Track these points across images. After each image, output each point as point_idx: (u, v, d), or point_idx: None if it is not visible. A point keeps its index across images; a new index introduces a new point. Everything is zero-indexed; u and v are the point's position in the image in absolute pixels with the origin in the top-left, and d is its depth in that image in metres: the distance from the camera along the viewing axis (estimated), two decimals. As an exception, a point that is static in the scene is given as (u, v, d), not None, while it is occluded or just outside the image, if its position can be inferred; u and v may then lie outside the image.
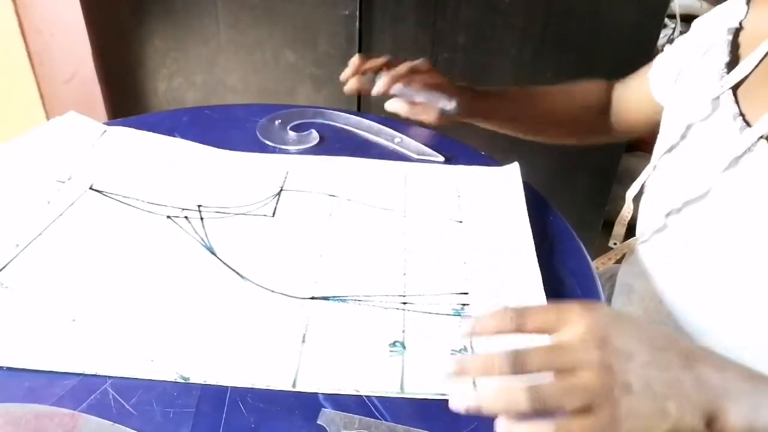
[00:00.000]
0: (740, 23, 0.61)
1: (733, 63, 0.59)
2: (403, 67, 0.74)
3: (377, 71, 0.74)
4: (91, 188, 0.62)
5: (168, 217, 0.59)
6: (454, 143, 0.74)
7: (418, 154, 0.71)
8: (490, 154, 0.72)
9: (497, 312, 0.39)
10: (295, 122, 0.76)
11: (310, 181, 0.65)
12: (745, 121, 0.55)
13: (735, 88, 0.58)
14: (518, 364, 0.36)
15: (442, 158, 0.71)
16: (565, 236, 0.61)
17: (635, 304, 0.67)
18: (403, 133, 0.74)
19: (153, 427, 0.41)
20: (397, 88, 0.72)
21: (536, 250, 0.59)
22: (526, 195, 0.66)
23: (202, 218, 0.59)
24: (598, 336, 0.36)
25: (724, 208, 0.55)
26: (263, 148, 0.71)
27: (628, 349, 0.36)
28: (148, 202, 0.61)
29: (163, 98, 1.52)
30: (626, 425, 0.34)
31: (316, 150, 0.72)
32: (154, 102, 1.53)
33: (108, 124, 0.73)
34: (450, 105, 0.71)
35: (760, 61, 0.57)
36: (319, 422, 0.42)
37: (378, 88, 0.72)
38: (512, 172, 0.67)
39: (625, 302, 0.69)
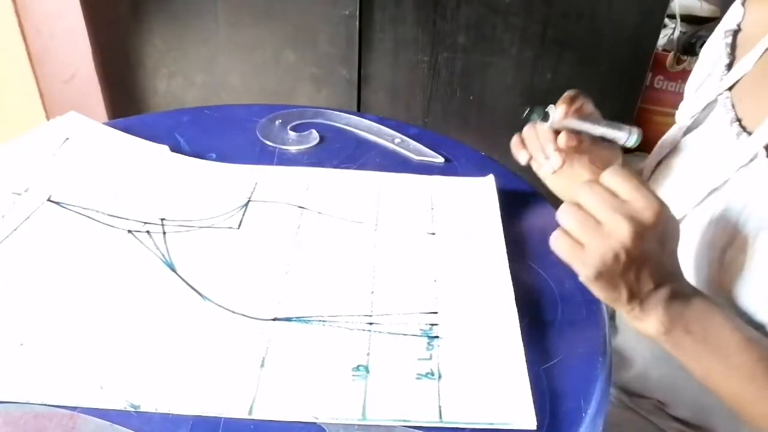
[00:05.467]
0: (738, 25, 0.61)
1: (732, 66, 0.59)
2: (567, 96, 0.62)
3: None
4: (49, 200, 0.60)
5: (129, 231, 0.57)
6: (454, 144, 0.74)
7: (418, 155, 0.71)
8: (490, 154, 0.72)
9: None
10: (295, 122, 0.76)
11: (279, 192, 0.63)
12: (741, 126, 0.55)
13: (732, 91, 0.57)
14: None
15: (441, 159, 0.70)
16: (564, 237, 0.61)
17: None
18: (402, 134, 0.74)
19: (151, 427, 0.41)
20: (573, 121, 0.60)
21: (536, 250, 0.59)
22: (527, 196, 0.66)
23: (164, 232, 0.57)
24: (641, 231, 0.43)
25: (722, 221, 0.54)
26: (263, 148, 0.71)
27: (652, 252, 0.44)
28: (109, 215, 0.59)
29: (163, 98, 1.52)
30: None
31: (316, 150, 0.72)
32: (154, 102, 1.53)
33: (108, 124, 0.72)
34: (634, 135, 0.59)
35: (756, 63, 0.57)
36: (318, 422, 0.42)
37: (553, 120, 0.60)
38: (488, 184, 0.65)
39: None
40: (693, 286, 0.49)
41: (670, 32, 1.69)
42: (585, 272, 0.45)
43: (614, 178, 0.45)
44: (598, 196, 0.44)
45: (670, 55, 1.66)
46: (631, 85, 1.41)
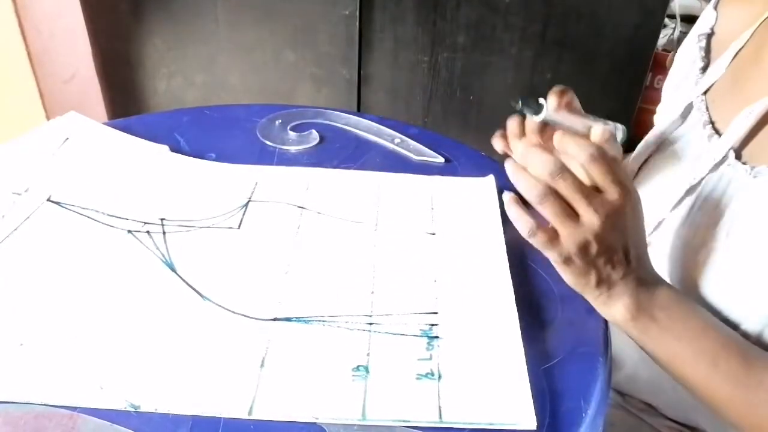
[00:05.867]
0: (711, 29, 0.62)
1: (707, 69, 0.60)
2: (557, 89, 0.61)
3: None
4: (49, 200, 0.60)
5: (129, 231, 0.57)
6: (454, 144, 0.74)
7: (418, 155, 0.71)
8: (490, 154, 0.72)
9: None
10: (296, 122, 0.76)
11: (279, 192, 0.63)
12: (714, 128, 0.56)
13: (707, 94, 0.58)
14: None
15: (441, 159, 0.70)
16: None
17: None
18: (402, 134, 0.74)
19: (152, 427, 0.41)
20: (565, 114, 0.59)
21: (536, 250, 0.58)
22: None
23: (164, 232, 0.57)
24: (614, 219, 0.46)
25: (695, 222, 0.55)
26: (263, 148, 0.71)
27: (620, 241, 0.47)
28: (109, 215, 0.59)
29: (162, 98, 1.52)
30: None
31: (316, 150, 0.72)
32: (154, 102, 1.53)
33: (108, 124, 0.73)
34: (620, 131, 0.60)
35: (729, 65, 0.58)
36: (318, 422, 0.42)
37: (548, 112, 0.58)
38: (488, 184, 0.65)
39: None
40: (659, 275, 0.51)
41: (670, 32, 1.69)
42: (557, 257, 0.48)
43: (594, 167, 0.47)
44: (572, 186, 0.47)
45: (670, 55, 1.66)
46: (631, 84, 1.41)
